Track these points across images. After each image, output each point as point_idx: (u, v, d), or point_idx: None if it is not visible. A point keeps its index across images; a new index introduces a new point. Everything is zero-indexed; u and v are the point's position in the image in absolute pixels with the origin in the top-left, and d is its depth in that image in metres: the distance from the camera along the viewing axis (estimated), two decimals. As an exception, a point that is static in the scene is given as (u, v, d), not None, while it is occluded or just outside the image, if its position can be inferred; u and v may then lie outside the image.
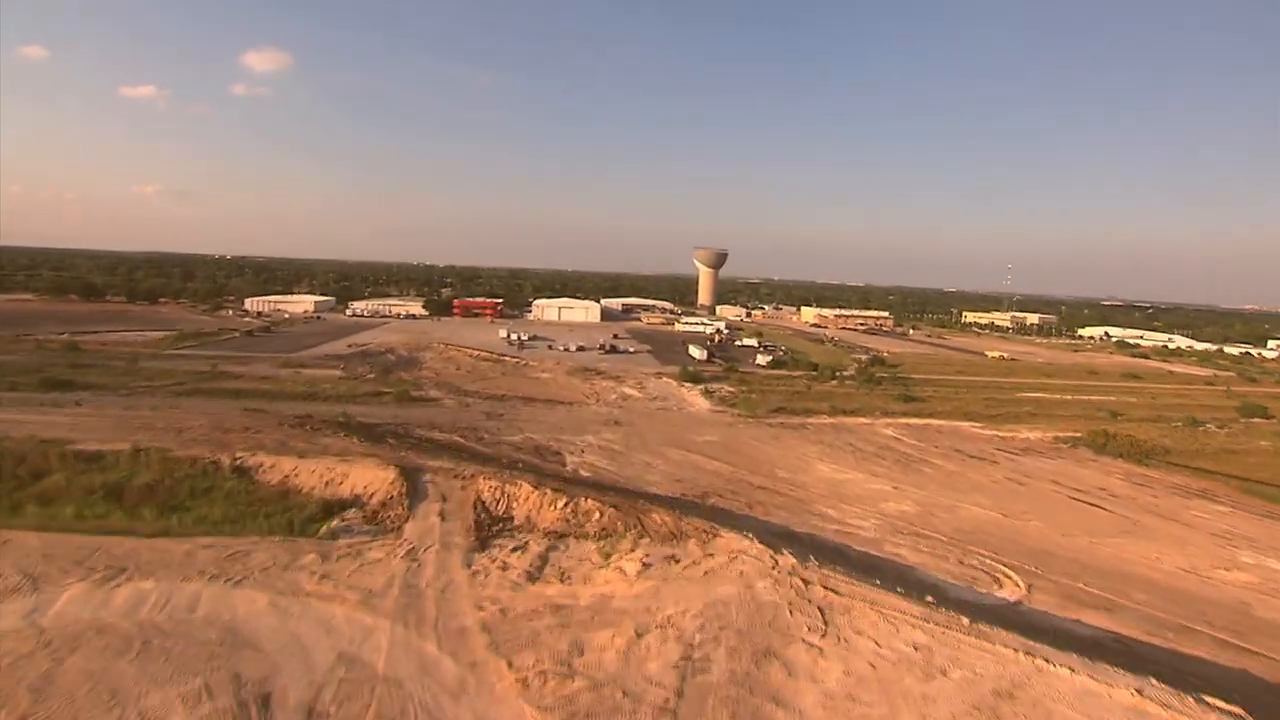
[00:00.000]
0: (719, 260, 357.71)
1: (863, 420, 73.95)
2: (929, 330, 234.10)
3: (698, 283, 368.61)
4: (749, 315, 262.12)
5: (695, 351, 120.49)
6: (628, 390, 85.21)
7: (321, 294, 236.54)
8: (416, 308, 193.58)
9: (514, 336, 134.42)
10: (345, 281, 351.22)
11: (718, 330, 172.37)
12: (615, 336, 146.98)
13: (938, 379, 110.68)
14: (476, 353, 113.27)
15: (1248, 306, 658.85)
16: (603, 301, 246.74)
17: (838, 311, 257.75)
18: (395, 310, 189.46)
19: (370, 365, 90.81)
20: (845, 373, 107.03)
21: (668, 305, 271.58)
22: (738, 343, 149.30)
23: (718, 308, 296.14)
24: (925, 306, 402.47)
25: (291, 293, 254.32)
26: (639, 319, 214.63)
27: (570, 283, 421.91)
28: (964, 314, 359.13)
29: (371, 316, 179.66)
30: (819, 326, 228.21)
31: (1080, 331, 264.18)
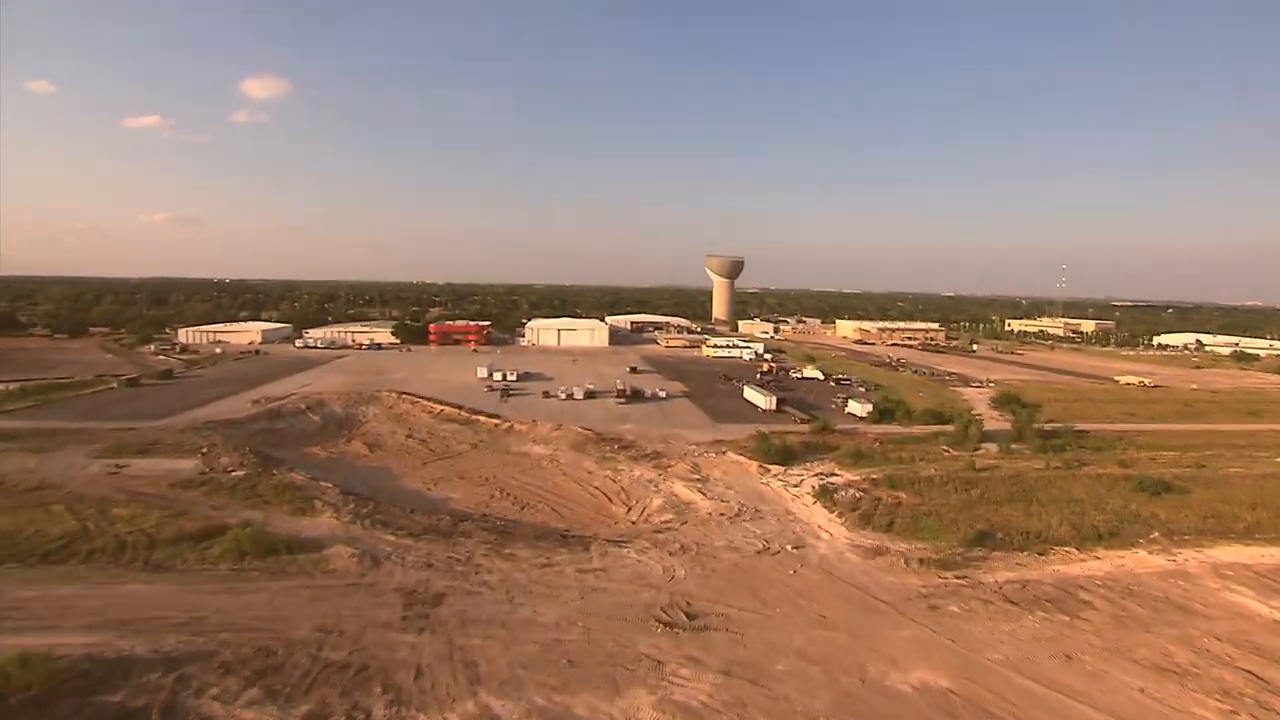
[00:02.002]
0: (734, 269, 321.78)
1: (1148, 559, 38.46)
2: (994, 345, 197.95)
3: (709, 294, 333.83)
4: (777, 331, 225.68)
5: (756, 398, 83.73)
6: (681, 490, 49.40)
7: (283, 321, 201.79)
8: (385, 334, 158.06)
9: (497, 376, 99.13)
10: (329, 303, 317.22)
11: (758, 356, 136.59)
12: (633, 370, 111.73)
13: (1115, 430, 75.23)
14: (440, 409, 77.88)
15: (1249, 303, 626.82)
16: (609, 320, 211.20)
17: (882, 324, 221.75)
18: (357, 339, 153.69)
19: (245, 451, 55.20)
20: (985, 426, 71.20)
21: (684, 322, 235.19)
22: (794, 373, 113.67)
23: (739, 323, 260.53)
24: (945, 313, 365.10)
25: (258, 318, 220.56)
26: (654, 340, 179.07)
27: (570, 298, 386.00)
28: (1006, 322, 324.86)
29: (326, 347, 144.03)
30: (864, 343, 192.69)
31: (1159, 340, 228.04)
